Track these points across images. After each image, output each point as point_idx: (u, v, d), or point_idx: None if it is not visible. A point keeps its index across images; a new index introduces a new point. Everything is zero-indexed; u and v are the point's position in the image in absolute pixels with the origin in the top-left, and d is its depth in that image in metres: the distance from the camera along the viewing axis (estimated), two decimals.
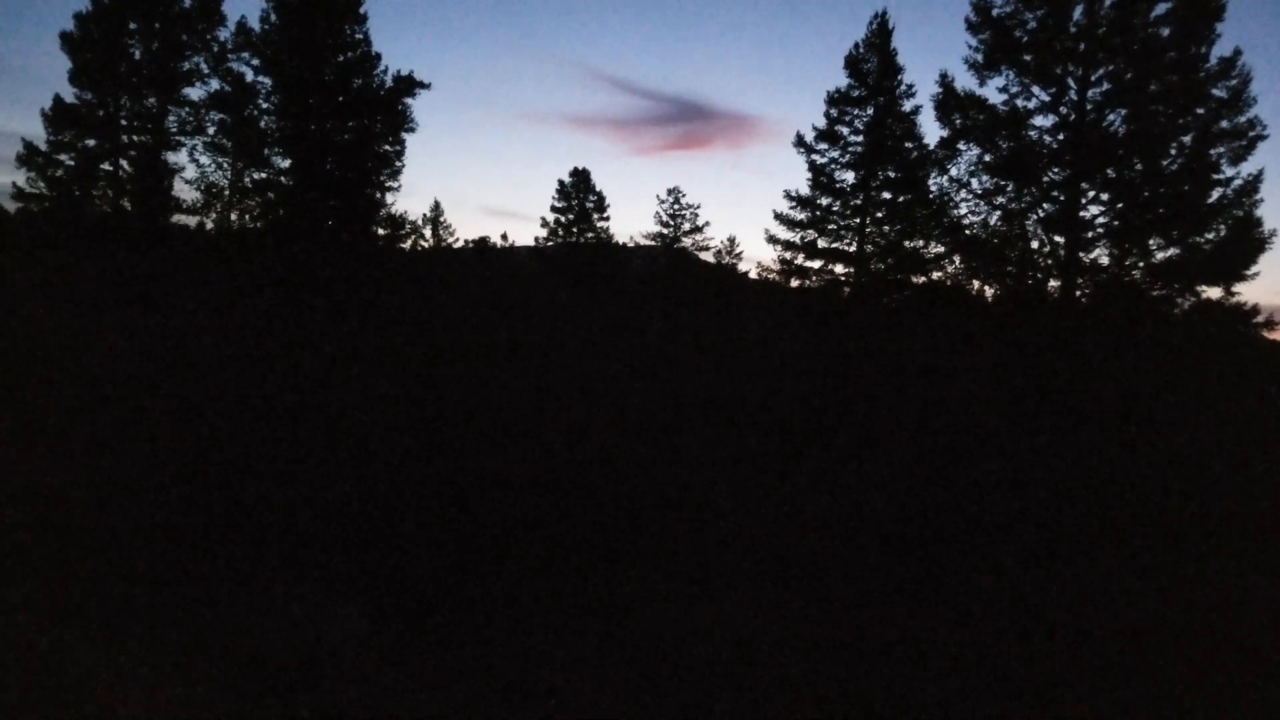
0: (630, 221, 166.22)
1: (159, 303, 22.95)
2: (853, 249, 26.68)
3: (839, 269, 26.98)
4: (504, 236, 42.97)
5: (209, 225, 25.84)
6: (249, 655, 6.97)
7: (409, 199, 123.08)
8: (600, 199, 39.28)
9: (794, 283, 27.59)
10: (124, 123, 25.70)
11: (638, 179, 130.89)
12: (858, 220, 27.01)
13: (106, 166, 25.57)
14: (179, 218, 25.84)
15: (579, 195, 39.17)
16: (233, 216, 25.43)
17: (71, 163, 25.57)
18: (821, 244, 27.18)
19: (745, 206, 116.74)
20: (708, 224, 38.30)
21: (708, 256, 39.36)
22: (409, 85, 25.19)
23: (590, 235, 38.80)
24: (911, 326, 22.18)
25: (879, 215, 26.95)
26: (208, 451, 11.86)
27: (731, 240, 40.36)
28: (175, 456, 11.44)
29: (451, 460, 12.74)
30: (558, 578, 9.17)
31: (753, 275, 31.69)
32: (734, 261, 39.16)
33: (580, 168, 39.24)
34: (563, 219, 39.35)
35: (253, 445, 12.40)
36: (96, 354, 16.80)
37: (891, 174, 27.18)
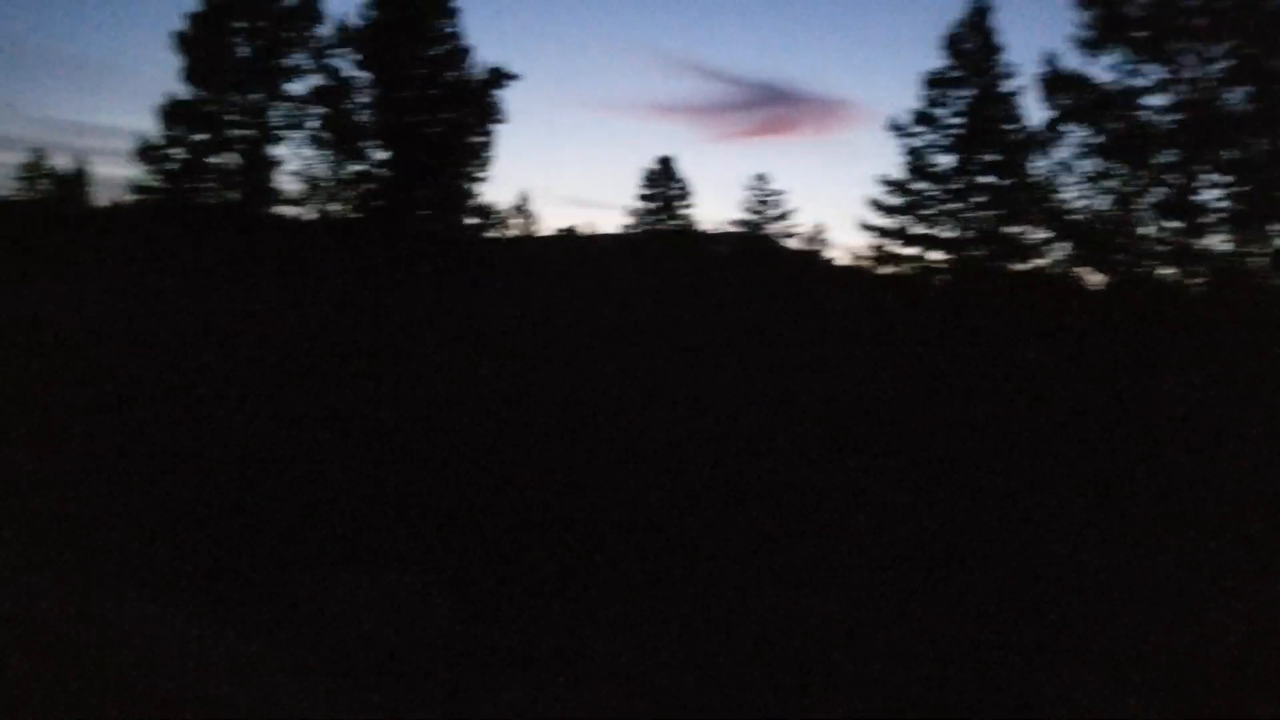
0: (715, 209, 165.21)
1: (261, 287, 23.81)
2: (950, 235, 25.97)
3: (935, 256, 26.31)
4: (588, 226, 43.35)
5: (310, 215, 26.60)
6: (346, 638, 7.17)
7: (497, 189, 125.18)
8: (684, 187, 39.18)
9: (887, 270, 27.01)
10: (230, 118, 26.62)
11: (722, 166, 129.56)
12: (956, 205, 26.25)
13: (215, 160, 26.54)
14: (282, 208, 26.68)
15: (663, 183, 39.12)
16: (332, 207, 26.12)
17: (184, 157, 26.61)
18: (917, 230, 26.52)
19: (833, 192, 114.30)
20: (794, 210, 37.82)
21: (794, 243, 38.95)
22: (499, 77, 25.50)
23: (675, 223, 38.71)
24: (1011, 315, 21.45)
25: (978, 200, 26.13)
26: (302, 433, 12.23)
27: (819, 227, 39.79)
28: (273, 438, 11.83)
29: (544, 445, 12.86)
30: (650, 565, 9.16)
31: (842, 262, 31.21)
32: (821, 248, 38.60)
33: (664, 155, 39.18)
34: (647, 207, 39.38)
35: (347, 429, 12.75)
36: (208, 335, 17.54)
37: (992, 157, 26.33)
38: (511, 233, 38.18)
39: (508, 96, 25.76)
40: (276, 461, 11.23)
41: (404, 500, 10.48)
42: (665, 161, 39.06)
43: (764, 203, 38.10)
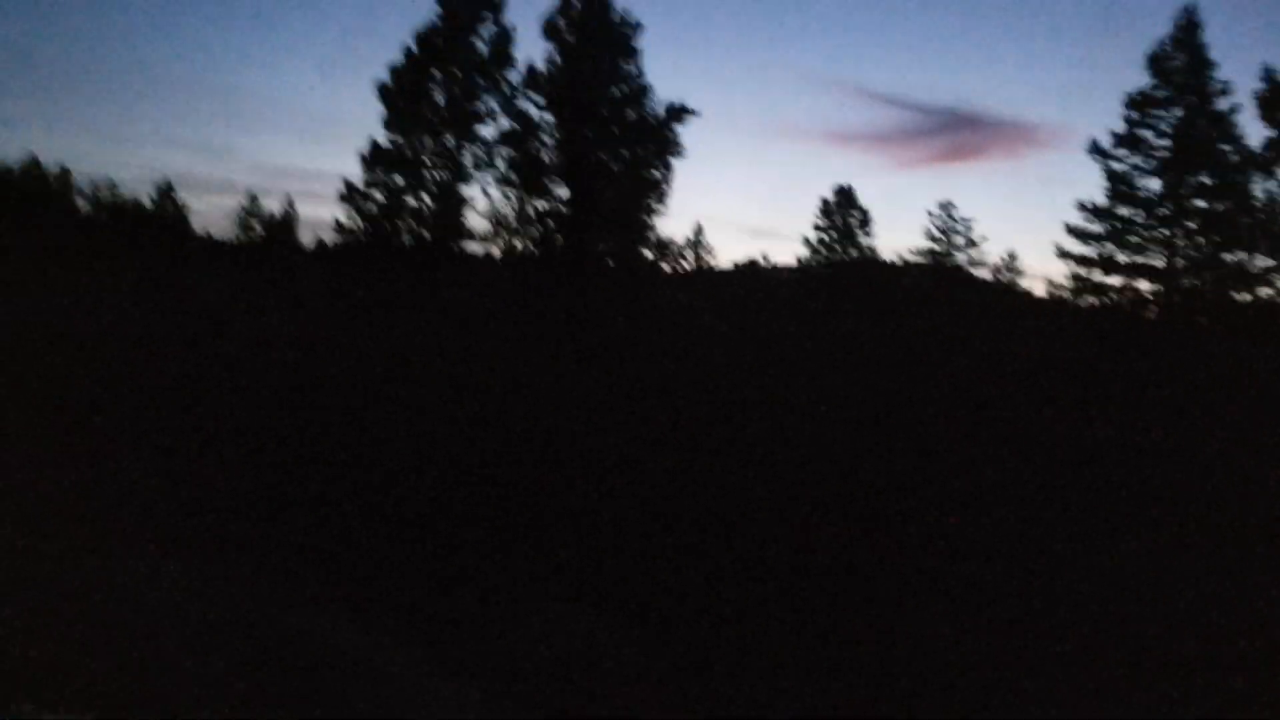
0: (898, 238, 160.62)
1: (453, 320, 24.90)
2: (1160, 263, 24.10)
3: (1143, 285, 24.48)
4: (764, 257, 43.07)
5: (497, 251, 27.69)
6: (513, 659, 7.17)
7: (674, 221, 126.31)
8: (865, 215, 38.29)
9: (1089, 300, 25.34)
10: (426, 161, 28.17)
11: (904, 194, 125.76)
12: (1165, 232, 24.38)
13: (411, 201, 28.13)
14: (471, 245, 27.90)
15: (842, 212, 38.39)
16: (517, 243, 27.09)
17: (383, 199, 28.34)
18: (1121, 258, 24.79)
19: (1025, 220, 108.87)
20: (984, 239, 36.16)
21: (984, 273, 37.23)
22: (678, 113, 25.86)
23: (855, 253, 37.84)
24: (1235, 351, 19.58)
25: (1191, 226, 24.17)
26: (488, 457, 12.54)
27: (1010, 256, 37.87)
28: (461, 461, 12.19)
29: (713, 479, 12.67)
30: (814, 594, 8.78)
31: (1039, 293, 29.57)
32: (1014, 278, 36.69)
33: (844, 184, 38.51)
34: (826, 238, 38.72)
35: (515, 456, 13.00)
36: (401, 370, 18.43)
37: (1205, 180, 24.34)
38: (688, 264, 38.42)
39: (690, 131, 26.13)
40: (461, 483, 11.55)
41: (584, 527, 10.53)
42: (845, 190, 38.41)
43: (951, 231, 36.71)
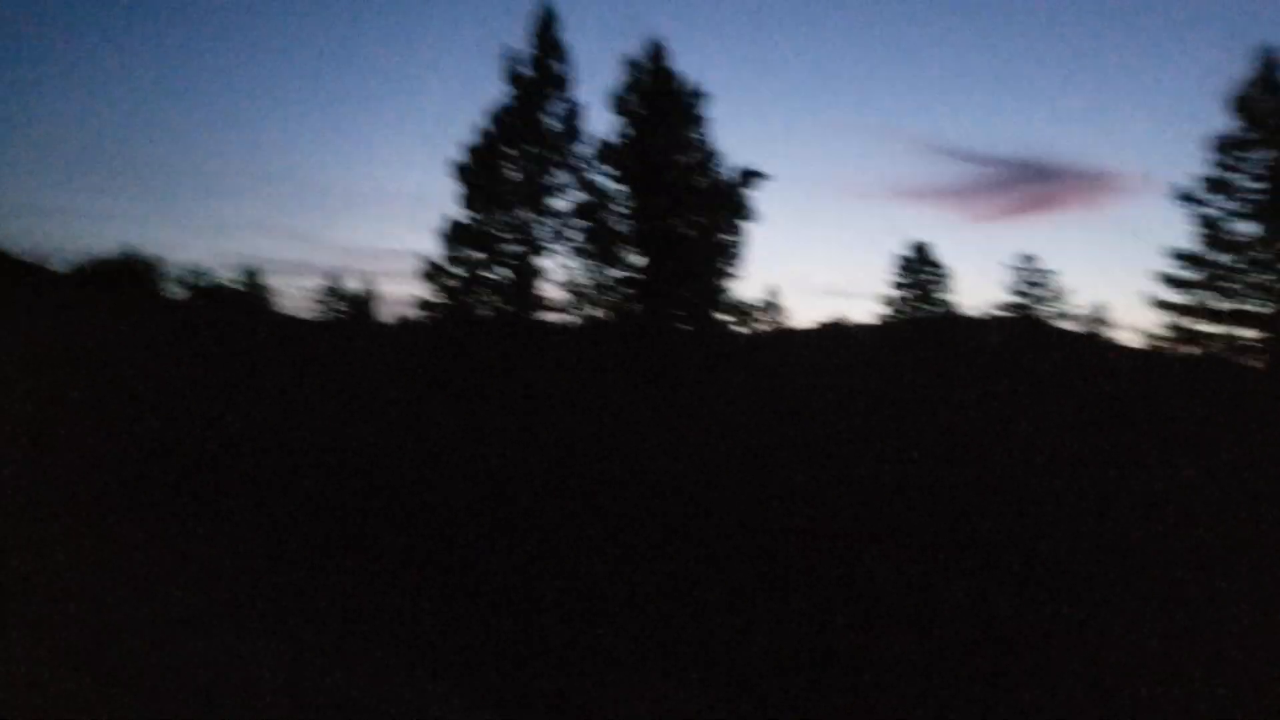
0: (977, 293, 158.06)
1: (533, 388, 25.09)
2: (1264, 310, 23.09)
3: (1247, 334, 23.45)
4: (842, 316, 42.62)
5: (573, 321, 27.97)
6: None
7: (749, 283, 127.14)
8: (943, 271, 37.70)
9: (1189, 350, 24.36)
10: (503, 236, 28.76)
11: (980, 248, 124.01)
12: (1266, 277, 23.40)
13: (489, 275, 28.68)
14: (549, 316, 28.24)
15: (919, 269, 37.87)
16: (595, 312, 27.34)
17: (462, 274, 28.96)
18: (1220, 306, 23.84)
19: (1109, 269, 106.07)
20: (1068, 291, 35.21)
21: (1070, 325, 36.13)
22: (750, 177, 26.02)
23: (934, 309, 37.19)
24: None
25: None
26: (579, 530, 12.40)
27: (1099, 307, 36.76)
28: (553, 534, 12.07)
29: (809, 543, 12.30)
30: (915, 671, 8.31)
31: (1133, 344, 28.56)
32: (1103, 330, 35.53)
33: (919, 241, 38.03)
34: (903, 295, 38.19)
35: (599, 522, 12.81)
36: (484, 437, 18.52)
37: None
38: (764, 327, 38.21)
39: (760, 193, 26.25)
40: (553, 555, 11.42)
41: (677, 599, 10.26)
42: (920, 247, 37.90)
43: (1033, 284, 35.82)
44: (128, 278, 63.76)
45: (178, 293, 52.51)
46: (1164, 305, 24.98)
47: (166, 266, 65.44)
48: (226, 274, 58.80)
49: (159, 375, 27.50)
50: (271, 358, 37.33)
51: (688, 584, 10.84)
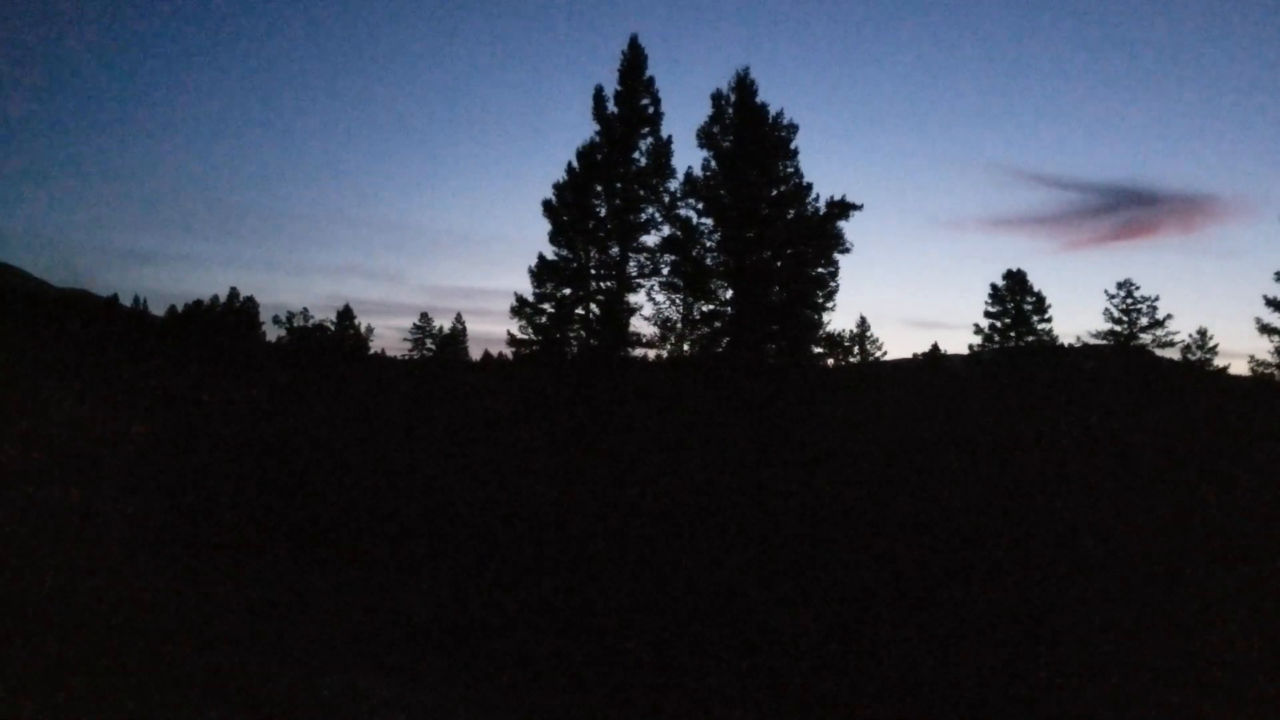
0: (1074, 321, 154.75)
1: (620, 426, 25.21)
2: None
3: None
4: (935, 347, 41.70)
5: (664, 355, 28.10)
6: None
7: (840, 316, 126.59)
8: (1039, 299, 36.72)
9: None
10: (592, 271, 29.14)
11: (1076, 275, 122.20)
12: None
13: (579, 311, 29.04)
14: (639, 351, 28.40)
15: (1014, 297, 37.00)
16: (684, 347, 27.45)
17: (552, 310, 29.40)
18: None
19: (1210, 294, 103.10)
20: (1169, 317, 33.86)
21: (1171, 353, 34.82)
22: (842, 209, 25.84)
23: (1030, 338, 36.25)
24: None
25: None
26: (674, 553, 12.39)
27: (1202, 333, 35.35)
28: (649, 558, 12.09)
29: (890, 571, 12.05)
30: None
31: (1238, 371, 27.41)
32: (1206, 357, 34.14)
33: (1014, 269, 37.16)
34: (998, 324, 37.33)
35: (701, 558, 12.76)
36: (564, 472, 18.70)
37: None
38: (856, 358, 37.74)
39: (850, 225, 26.07)
40: (645, 580, 11.43)
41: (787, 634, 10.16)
42: (1015, 275, 36.99)
43: (1132, 310, 34.65)
44: (228, 320, 66.48)
45: (278, 332, 54.43)
46: (1271, 330, 23.95)
47: (261, 308, 68.11)
48: (323, 315, 60.79)
49: (261, 415, 28.50)
50: (367, 393, 38.37)
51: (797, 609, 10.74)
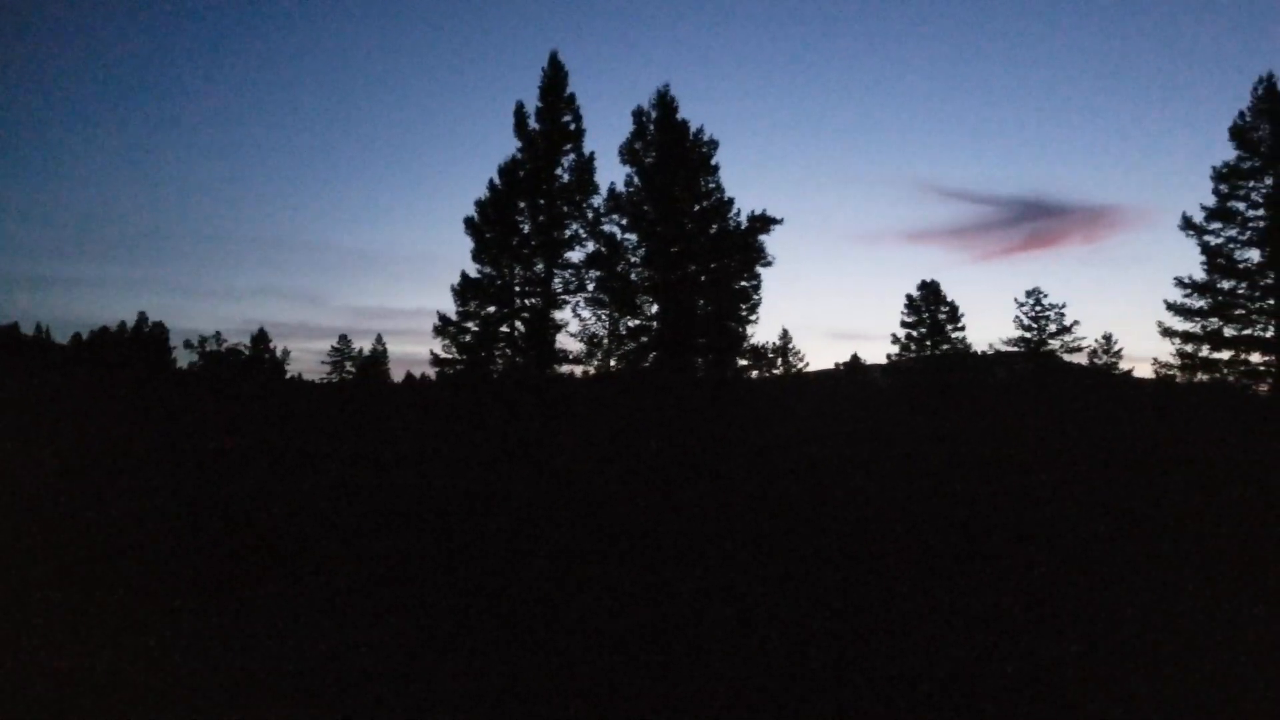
0: (986, 330, 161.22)
1: (554, 442, 25.17)
2: (1269, 334, 23.41)
3: (1255, 358, 23.74)
4: (855, 358, 42.79)
5: (591, 371, 28.19)
6: None
7: (762, 329, 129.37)
8: (953, 309, 38.05)
9: (1200, 378, 24.62)
10: (517, 288, 29.12)
11: (987, 286, 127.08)
12: (1270, 302, 23.76)
13: (504, 329, 28.97)
14: (566, 367, 28.43)
15: (929, 308, 38.26)
16: (612, 362, 27.59)
17: (476, 329, 29.24)
18: (1228, 332, 24.16)
19: (1113, 301, 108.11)
20: (1075, 324, 35.39)
21: (1079, 358, 36.44)
22: (763, 223, 26.42)
23: (945, 347, 37.48)
24: None
25: None
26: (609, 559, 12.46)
27: (1107, 338, 37.03)
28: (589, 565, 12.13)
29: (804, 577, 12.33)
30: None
31: (1141, 373, 28.81)
32: (1112, 361, 35.77)
33: (928, 280, 38.47)
34: (914, 333, 38.54)
35: (627, 573, 12.87)
36: (503, 481, 18.57)
37: None
38: (780, 370, 38.40)
39: (771, 239, 26.68)
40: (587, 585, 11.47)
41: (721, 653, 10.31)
42: (929, 285, 38.27)
43: (1041, 318, 36.16)
44: (136, 346, 64.20)
45: (189, 357, 52.82)
46: (1173, 334, 25.29)
47: (171, 333, 65.98)
48: (236, 339, 59.22)
49: (172, 442, 27.57)
50: (285, 418, 37.42)
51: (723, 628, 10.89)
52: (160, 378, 60.11)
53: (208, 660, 8.11)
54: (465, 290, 29.99)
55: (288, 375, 55.93)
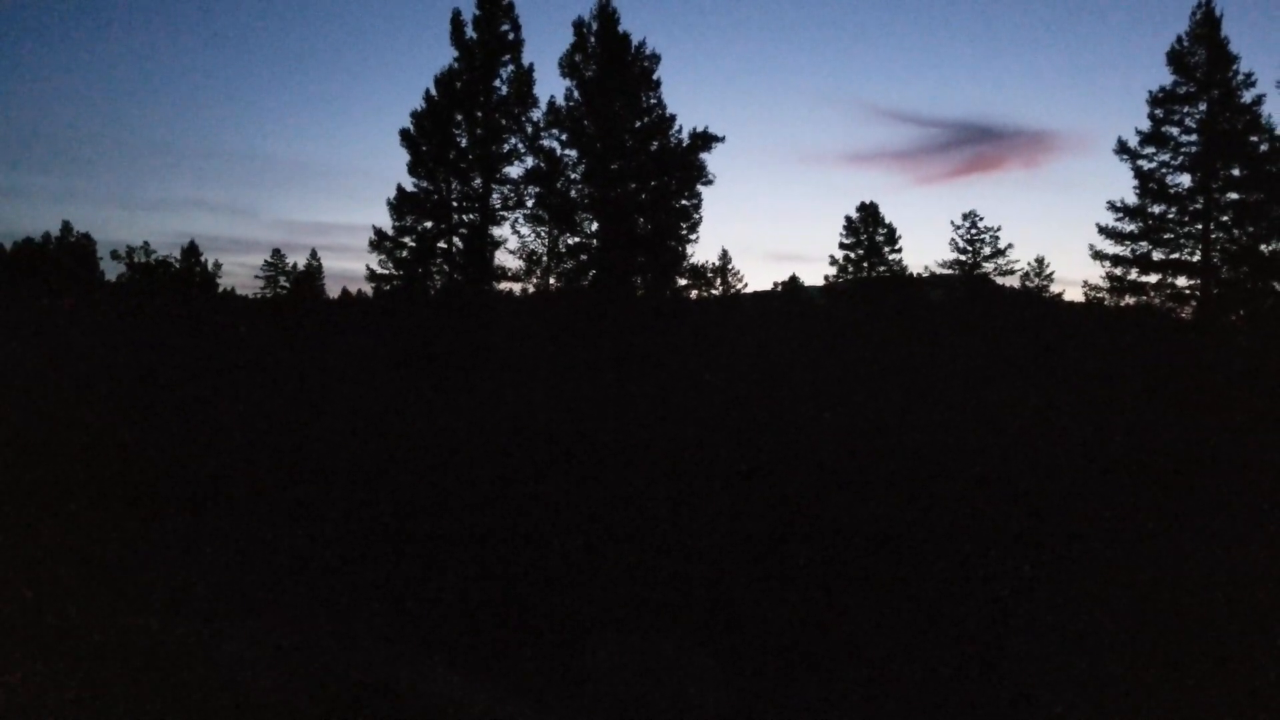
0: (924, 253, 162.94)
1: (491, 362, 25.01)
2: (1196, 259, 23.99)
3: (1181, 282, 24.36)
4: (794, 279, 42.90)
5: (530, 289, 27.88)
6: (619, 703, 7.13)
7: (702, 249, 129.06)
8: (891, 232, 38.23)
9: (1127, 300, 25.22)
10: (455, 204, 28.45)
11: (927, 209, 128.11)
12: (1199, 227, 24.29)
13: (442, 245, 28.38)
14: (504, 285, 28.05)
15: (868, 230, 38.37)
16: (551, 280, 27.29)
17: (413, 244, 28.59)
18: (1157, 256, 24.73)
19: (1049, 225, 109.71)
20: (1010, 247, 35.83)
21: (1013, 281, 37.06)
22: (704, 141, 26.04)
23: (882, 269, 37.77)
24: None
25: (1225, 219, 24.09)
26: (548, 486, 12.56)
27: (1039, 261, 37.66)
28: (524, 492, 12.22)
29: (778, 500, 12.61)
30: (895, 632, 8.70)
31: (1072, 297, 29.48)
32: (1044, 284, 36.49)
33: (868, 202, 38.47)
34: (852, 255, 38.70)
35: (589, 481, 13.00)
36: (443, 415, 18.52)
37: (1236, 172, 24.31)
38: (719, 290, 38.42)
39: (712, 158, 26.36)
40: (527, 517, 11.57)
41: (651, 555, 10.50)
42: (868, 208, 38.29)
43: (977, 241, 36.53)
44: (65, 256, 61.80)
45: (119, 270, 50.95)
46: (1104, 257, 25.75)
47: (99, 245, 63.70)
48: (166, 252, 57.27)
49: (101, 359, 26.80)
50: (215, 337, 36.58)
51: (656, 539, 11.08)
52: (90, 289, 58.16)
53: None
54: (401, 205, 29.18)
55: (220, 289, 54.40)
